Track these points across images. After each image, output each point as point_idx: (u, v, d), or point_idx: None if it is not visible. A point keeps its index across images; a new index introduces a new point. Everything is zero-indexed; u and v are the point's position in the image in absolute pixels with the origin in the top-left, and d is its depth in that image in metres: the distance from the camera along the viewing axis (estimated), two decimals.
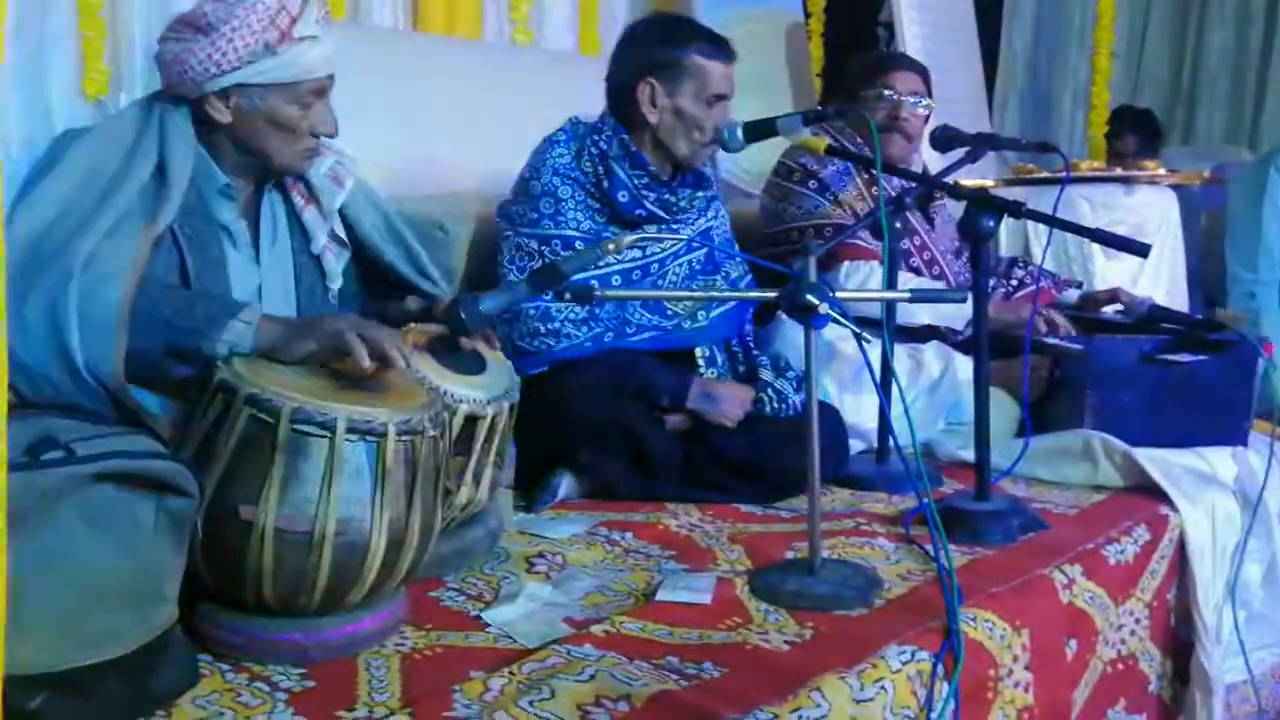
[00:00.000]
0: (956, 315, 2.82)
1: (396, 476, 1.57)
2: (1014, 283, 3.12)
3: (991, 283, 3.10)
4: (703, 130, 2.51)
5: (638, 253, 2.51)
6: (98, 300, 1.60)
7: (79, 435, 1.39)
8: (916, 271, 2.99)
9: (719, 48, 2.52)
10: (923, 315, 2.88)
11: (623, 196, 2.47)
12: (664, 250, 2.54)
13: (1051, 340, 2.72)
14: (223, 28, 1.76)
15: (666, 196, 2.52)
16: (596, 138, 2.51)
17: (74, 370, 1.58)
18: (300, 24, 1.78)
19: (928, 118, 3.02)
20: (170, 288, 1.74)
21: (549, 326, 2.37)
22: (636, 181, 2.49)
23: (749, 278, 2.69)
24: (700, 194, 2.59)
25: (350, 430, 1.52)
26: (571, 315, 2.39)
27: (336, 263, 1.99)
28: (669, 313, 2.52)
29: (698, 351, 2.54)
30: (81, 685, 1.32)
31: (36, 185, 1.74)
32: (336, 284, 1.98)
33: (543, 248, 2.42)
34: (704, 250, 2.61)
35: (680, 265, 2.57)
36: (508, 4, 4.03)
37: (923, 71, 3.09)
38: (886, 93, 2.99)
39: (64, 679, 1.31)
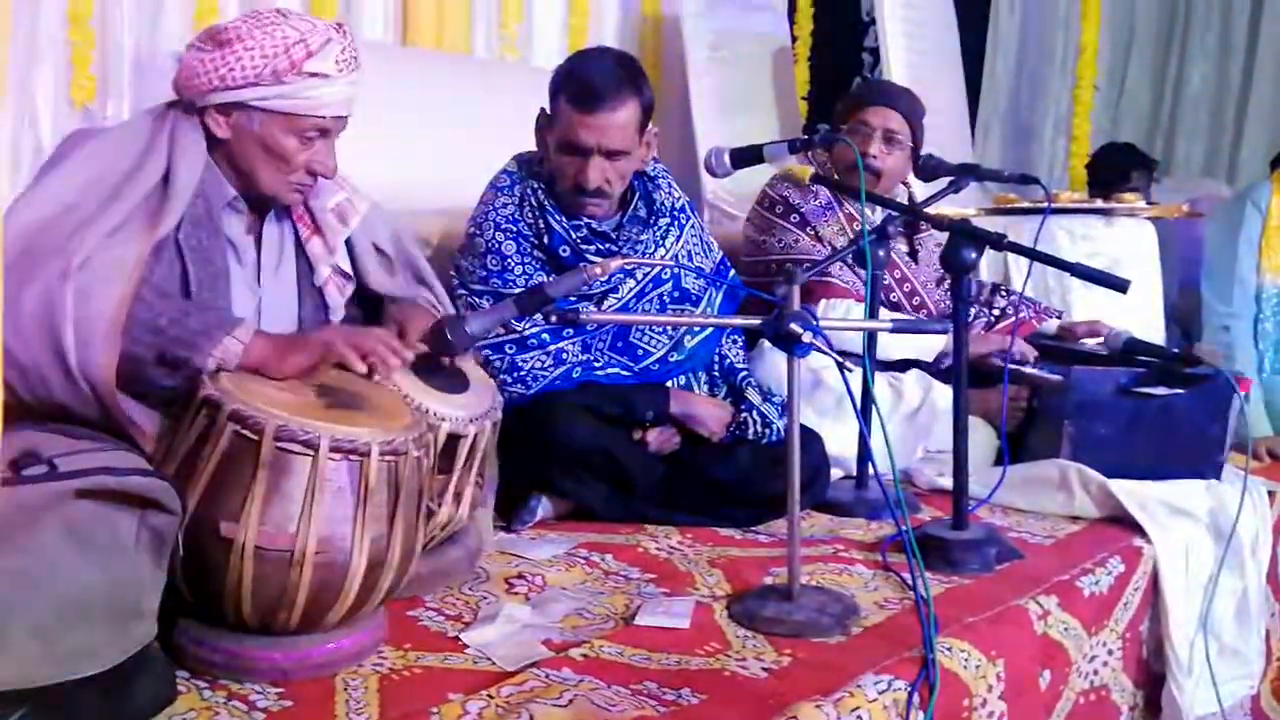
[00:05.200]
0: (931, 350, 2.83)
1: (379, 497, 1.57)
2: (995, 312, 3.14)
3: (974, 311, 3.11)
4: (564, 176, 2.38)
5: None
6: (94, 301, 1.58)
7: (61, 450, 1.39)
8: (896, 306, 2.99)
9: (583, 96, 2.31)
10: (896, 353, 2.87)
11: (564, 251, 2.38)
12: (628, 292, 2.46)
13: (1030, 371, 2.74)
14: (237, 45, 1.75)
15: (608, 246, 2.42)
16: (536, 184, 2.43)
17: (67, 370, 1.56)
18: (316, 60, 1.75)
19: (914, 150, 2.92)
20: (168, 295, 1.72)
21: (516, 376, 2.32)
22: (575, 235, 2.40)
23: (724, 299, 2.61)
24: (647, 233, 2.47)
25: (333, 449, 1.53)
26: (537, 365, 2.34)
27: (340, 296, 1.96)
28: (639, 353, 2.46)
29: (669, 384, 2.49)
30: (60, 701, 1.32)
31: (40, 180, 1.73)
32: (339, 316, 1.95)
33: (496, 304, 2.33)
34: (669, 284, 2.52)
35: (649, 303, 2.49)
36: (497, 20, 4.05)
37: (904, 105, 2.96)
38: (862, 128, 2.91)
39: (43, 694, 1.31)
